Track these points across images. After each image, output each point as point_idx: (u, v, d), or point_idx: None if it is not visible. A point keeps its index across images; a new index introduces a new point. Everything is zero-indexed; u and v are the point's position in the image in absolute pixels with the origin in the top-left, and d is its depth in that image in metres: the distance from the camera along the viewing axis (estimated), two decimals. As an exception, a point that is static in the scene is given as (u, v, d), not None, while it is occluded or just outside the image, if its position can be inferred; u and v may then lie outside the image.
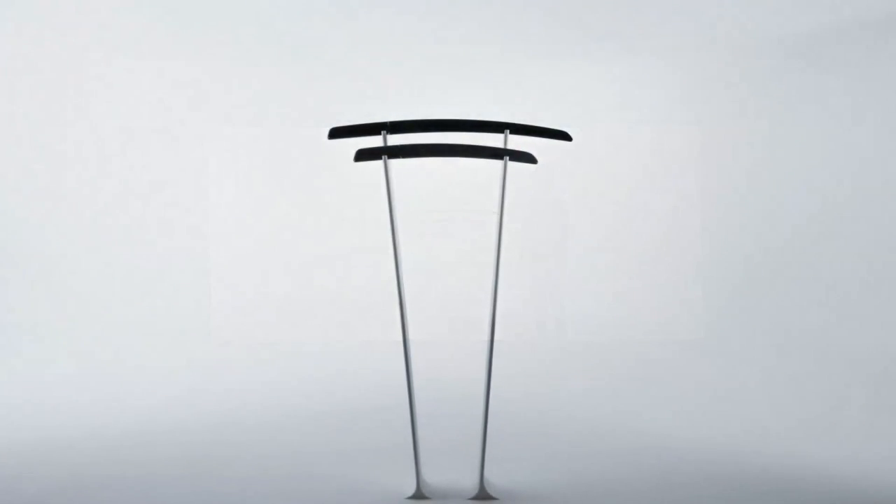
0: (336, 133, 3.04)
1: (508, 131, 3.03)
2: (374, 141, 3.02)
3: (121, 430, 3.80)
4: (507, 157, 3.00)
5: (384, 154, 2.96)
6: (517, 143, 3.03)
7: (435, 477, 3.12)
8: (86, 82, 5.41)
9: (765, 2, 5.17)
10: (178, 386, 4.46)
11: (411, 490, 2.99)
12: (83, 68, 5.40)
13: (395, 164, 3.01)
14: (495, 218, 3.03)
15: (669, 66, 5.47)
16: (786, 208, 5.26)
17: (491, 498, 2.97)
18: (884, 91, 5.05)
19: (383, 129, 2.99)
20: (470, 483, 3.04)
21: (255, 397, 4.33)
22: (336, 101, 5.38)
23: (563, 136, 3.08)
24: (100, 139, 5.45)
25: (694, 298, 5.23)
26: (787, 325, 4.95)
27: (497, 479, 3.12)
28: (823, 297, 4.99)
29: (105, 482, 3.13)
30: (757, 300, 5.12)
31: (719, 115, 5.44)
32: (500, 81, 5.55)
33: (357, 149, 2.99)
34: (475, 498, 2.97)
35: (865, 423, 3.89)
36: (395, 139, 3.03)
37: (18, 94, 5.30)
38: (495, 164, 3.04)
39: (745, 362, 4.72)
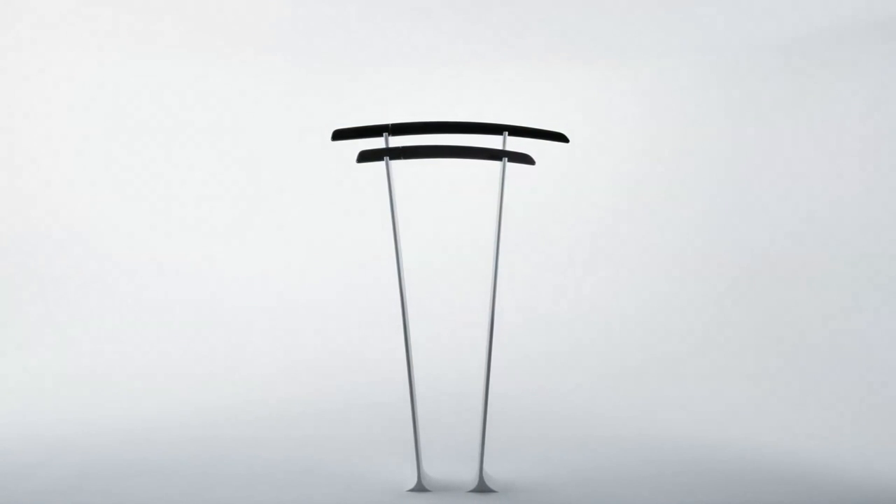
0: (339, 135, 3.10)
1: (507, 133, 3.10)
2: (377, 143, 3.09)
3: (122, 423, 3.84)
4: (506, 158, 3.06)
5: (386, 155, 3.02)
6: (516, 144, 3.10)
7: (435, 470, 3.18)
8: (87, 81, 5.46)
9: (763, 4, 5.21)
10: (177, 382, 4.50)
11: (412, 483, 3.05)
12: (89, 66, 5.45)
13: (397, 164, 3.08)
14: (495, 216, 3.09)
15: (666, 68, 5.52)
16: (783, 209, 5.31)
17: (490, 490, 3.03)
18: (882, 92, 5.10)
19: (385, 132, 3.05)
20: (469, 476, 3.10)
21: (256, 391, 4.38)
22: (339, 104, 5.44)
23: (561, 137, 3.15)
24: (100, 141, 5.51)
25: (692, 295, 5.28)
26: (785, 323, 5.00)
27: (496, 472, 3.18)
28: (820, 296, 5.04)
29: (106, 475, 3.18)
30: (755, 298, 5.17)
31: (715, 118, 5.49)
32: (499, 84, 5.60)
33: (360, 150, 3.05)
34: (474, 490, 3.03)
35: (860, 419, 3.94)
36: (397, 141, 3.10)
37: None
38: (494, 165, 3.11)
39: (742, 358, 4.77)
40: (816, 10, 5.01)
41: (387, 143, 3.05)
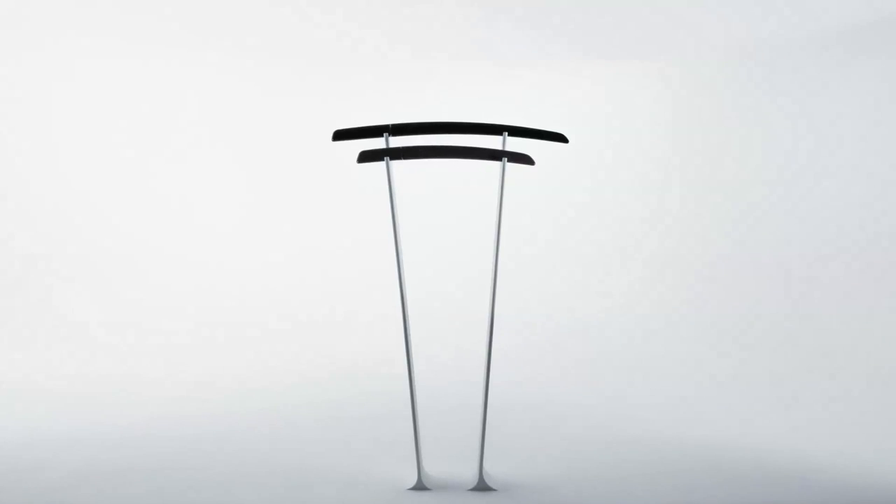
0: (340, 135, 3.11)
1: (507, 133, 3.11)
2: (377, 143, 3.10)
3: (122, 423, 3.85)
4: (506, 159, 3.07)
5: (386, 156, 3.03)
6: (515, 144, 3.11)
7: (435, 468, 3.19)
8: (85, 80, 5.47)
9: (762, 6, 5.22)
10: (177, 383, 4.51)
11: (413, 481, 3.06)
12: (81, 67, 5.46)
13: (397, 164, 3.09)
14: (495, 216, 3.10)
15: (668, 68, 5.53)
16: (781, 207, 5.32)
17: (490, 489, 3.04)
18: (877, 92, 5.11)
19: (385, 132, 3.06)
20: (469, 474, 3.11)
21: (256, 391, 4.38)
22: (340, 104, 5.45)
23: (560, 138, 3.16)
24: (100, 140, 5.52)
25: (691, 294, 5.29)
26: (784, 323, 5.01)
27: (495, 470, 3.19)
28: (815, 292, 5.05)
29: (105, 475, 3.19)
30: (755, 298, 5.18)
31: (718, 118, 5.50)
32: (499, 84, 5.61)
33: (360, 150, 3.06)
34: (475, 489, 3.04)
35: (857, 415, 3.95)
36: (398, 141, 3.11)
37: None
38: (494, 165, 3.12)
39: (741, 358, 4.78)
40: (837, 6, 5.01)
41: (387, 143, 3.06)
